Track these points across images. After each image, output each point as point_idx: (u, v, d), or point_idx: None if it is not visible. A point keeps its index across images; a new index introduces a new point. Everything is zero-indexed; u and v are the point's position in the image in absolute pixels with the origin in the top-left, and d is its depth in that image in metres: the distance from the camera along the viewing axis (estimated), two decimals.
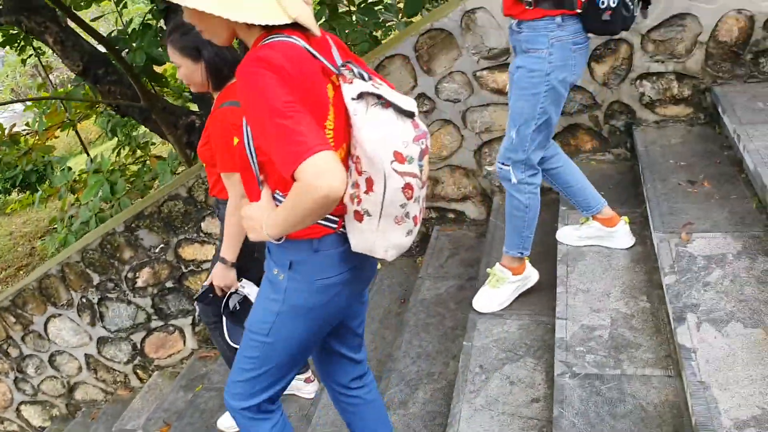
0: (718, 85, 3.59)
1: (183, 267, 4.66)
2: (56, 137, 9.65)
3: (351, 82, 1.76)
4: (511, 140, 2.75)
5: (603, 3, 2.46)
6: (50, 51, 7.44)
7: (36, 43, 7.68)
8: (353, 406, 2.42)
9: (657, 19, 3.52)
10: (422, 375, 3.13)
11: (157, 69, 7.16)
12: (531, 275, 3.14)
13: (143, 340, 4.94)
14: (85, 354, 5.03)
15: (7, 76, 18.33)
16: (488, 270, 3.16)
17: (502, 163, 2.82)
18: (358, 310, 2.26)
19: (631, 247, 3.03)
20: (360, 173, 1.77)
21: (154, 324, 4.88)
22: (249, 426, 2.18)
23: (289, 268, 1.91)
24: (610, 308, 2.69)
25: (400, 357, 3.27)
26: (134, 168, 9.16)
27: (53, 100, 8.88)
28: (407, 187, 1.76)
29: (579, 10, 2.50)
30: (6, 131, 8.72)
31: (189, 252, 4.60)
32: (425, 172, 1.81)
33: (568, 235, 3.18)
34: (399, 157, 1.73)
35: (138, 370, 5.08)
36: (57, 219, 7.80)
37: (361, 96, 1.74)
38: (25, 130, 9.32)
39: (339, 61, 1.83)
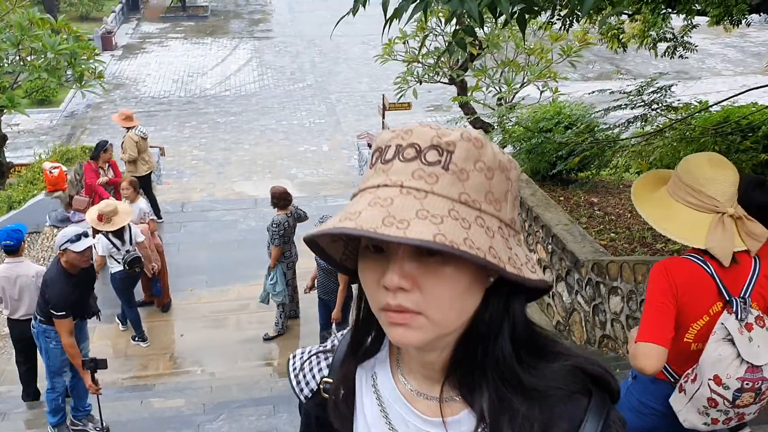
0: None
1: None
2: None
3: (731, 314, 2.32)
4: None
5: None
6: None
7: None
8: None
9: None
10: None
11: None
12: None
13: None
14: None
15: None
16: None
17: None
18: None
19: None
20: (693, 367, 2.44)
21: None
22: None
23: (633, 378, 2.71)
24: None
25: None
26: None
27: None
28: (711, 400, 2.33)
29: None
30: None
31: None
32: (741, 402, 2.32)
33: None
34: (717, 380, 2.30)
35: None
36: None
37: (725, 328, 2.32)
38: None
39: (745, 291, 2.37)
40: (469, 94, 13.64)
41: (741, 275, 2.36)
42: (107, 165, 9.85)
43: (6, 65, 12.15)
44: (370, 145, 17.94)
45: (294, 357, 1.33)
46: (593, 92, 7.26)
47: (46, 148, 14.87)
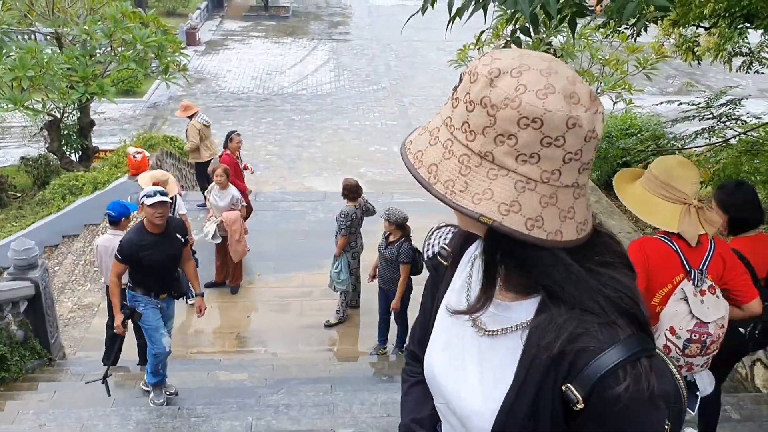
0: None
1: None
2: None
3: (689, 281, 2.92)
4: None
5: None
6: None
7: None
8: None
9: None
10: None
11: None
12: None
13: None
14: None
15: None
16: None
17: None
18: None
19: None
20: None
21: None
22: None
23: None
24: None
25: None
26: None
27: None
28: (666, 347, 2.93)
29: None
30: None
31: None
32: (689, 352, 2.93)
33: None
34: (672, 330, 2.92)
35: None
36: None
37: (682, 291, 2.94)
38: None
39: (702, 265, 2.98)
40: None
41: (700, 253, 2.99)
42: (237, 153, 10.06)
43: (98, 55, 12.86)
44: None
45: (434, 227, 1.61)
46: (661, 103, 7.30)
47: (128, 136, 15.62)
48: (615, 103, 12.54)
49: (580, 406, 1.16)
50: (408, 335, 1.65)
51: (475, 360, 1.32)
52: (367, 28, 32.52)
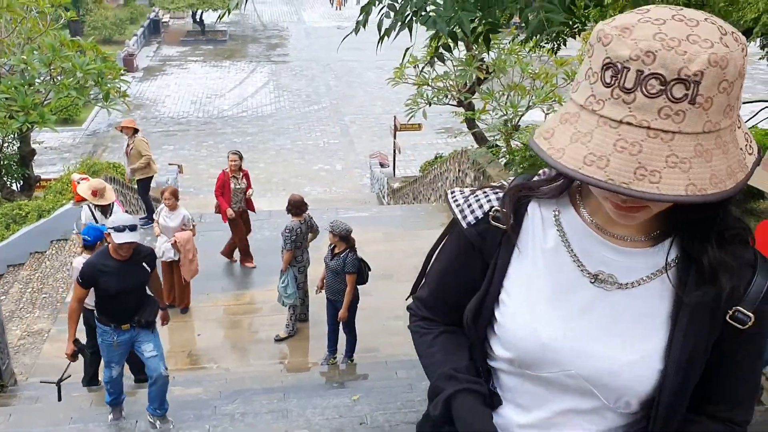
0: None
1: None
2: None
3: None
4: None
5: None
6: None
7: None
8: None
9: None
10: None
11: None
12: None
13: None
14: None
15: None
16: None
17: None
18: None
19: None
20: None
21: None
22: None
23: None
24: None
25: None
26: None
27: None
28: None
29: None
30: None
31: None
32: None
33: None
34: None
35: None
36: None
37: None
38: None
39: None
40: (477, 116, 14.22)
41: None
42: (241, 174, 9.94)
43: (38, 84, 12.85)
44: (381, 164, 18.55)
45: (453, 192, 1.44)
46: None
47: (68, 165, 15.56)
48: (546, 114, 13.14)
49: (750, 323, 1.21)
50: (419, 301, 1.54)
51: (605, 316, 1.27)
52: (306, 50, 32.90)
